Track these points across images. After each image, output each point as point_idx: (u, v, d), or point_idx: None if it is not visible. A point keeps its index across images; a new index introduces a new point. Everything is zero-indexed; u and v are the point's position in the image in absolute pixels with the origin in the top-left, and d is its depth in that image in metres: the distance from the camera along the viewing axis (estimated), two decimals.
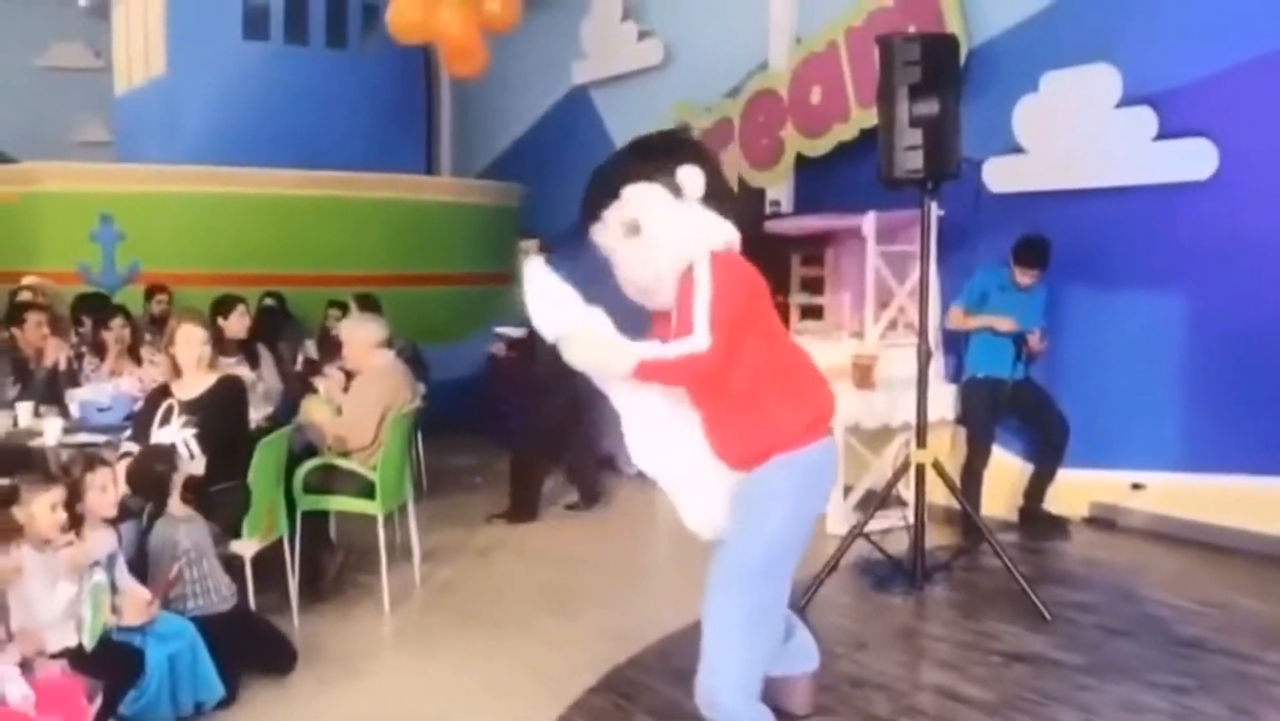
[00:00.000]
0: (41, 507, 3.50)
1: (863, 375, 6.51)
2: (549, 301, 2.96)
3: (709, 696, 3.04)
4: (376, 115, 10.06)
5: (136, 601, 3.75)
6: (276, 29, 9.56)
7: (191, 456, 4.47)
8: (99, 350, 6.12)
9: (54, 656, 3.40)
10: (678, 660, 3.89)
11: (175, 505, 4.12)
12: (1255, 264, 5.50)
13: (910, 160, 4.57)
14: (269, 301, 8.25)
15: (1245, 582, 5.05)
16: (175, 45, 9.48)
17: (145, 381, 5.79)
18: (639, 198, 3.05)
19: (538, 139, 10.62)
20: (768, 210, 8.03)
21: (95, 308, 6.75)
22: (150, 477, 4.14)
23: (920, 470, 5.02)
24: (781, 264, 7.60)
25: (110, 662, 3.54)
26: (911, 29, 6.81)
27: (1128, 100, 5.82)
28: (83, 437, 4.91)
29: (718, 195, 3.11)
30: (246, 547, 4.40)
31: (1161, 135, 5.71)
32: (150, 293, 8.02)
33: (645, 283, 3.08)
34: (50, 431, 4.86)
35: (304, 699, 4.00)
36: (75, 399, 5.47)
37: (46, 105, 12.48)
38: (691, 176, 3.05)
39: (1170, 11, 5.74)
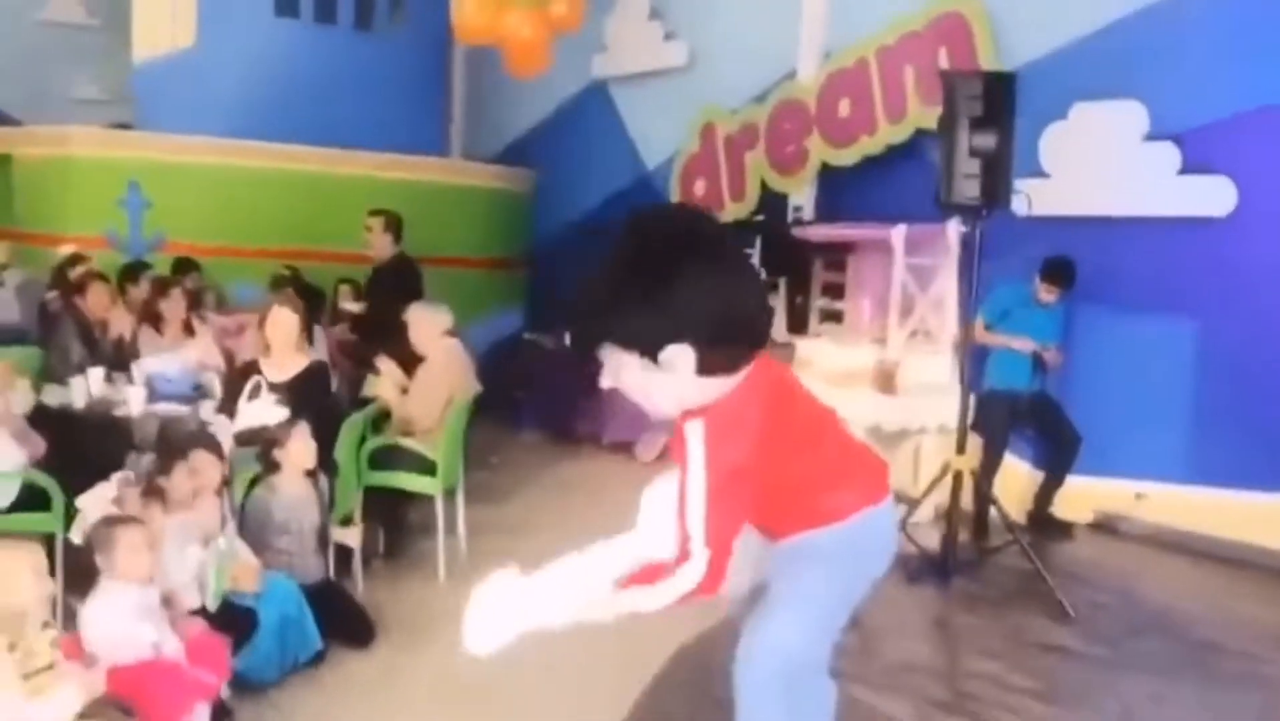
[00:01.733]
0: (180, 476, 3.75)
1: (885, 380, 6.87)
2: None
3: None
4: (401, 97, 10.22)
5: (248, 568, 4.00)
6: (307, 7, 9.71)
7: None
8: (154, 321, 6.28)
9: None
10: None
11: (288, 478, 4.36)
12: (1266, 297, 5.90)
13: (968, 188, 4.93)
14: (284, 272, 8.34)
15: (1248, 591, 5.46)
16: (206, 18, 9.58)
17: (208, 353, 6.01)
18: (616, 358, 2.53)
19: (552, 128, 10.84)
20: (790, 215, 8.37)
21: (148, 277, 6.92)
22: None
23: (959, 475, 5.38)
24: (804, 267, 7.93)
25: (228, 622, 3.80)
26: (943, 52, 7.19)
27: (1153, 135, 6.21)
28: (162, 407, 5.13)
29: (724, 331, 2.48)
30: (349, 535, 4.65)
31: (1184, 171, 6.10)
32: (180, 266, 8.15)
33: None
34: (135, 400, 5.07)
35: (382, 659, 4.29)
36: (141, 369, 5.66)
37: (40, 61, 12.41)
38: (680, 357, 2.43)
39: (1197, 52, 6.11)
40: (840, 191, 8.09)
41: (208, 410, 5.13)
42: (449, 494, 5.77)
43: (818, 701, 2.82)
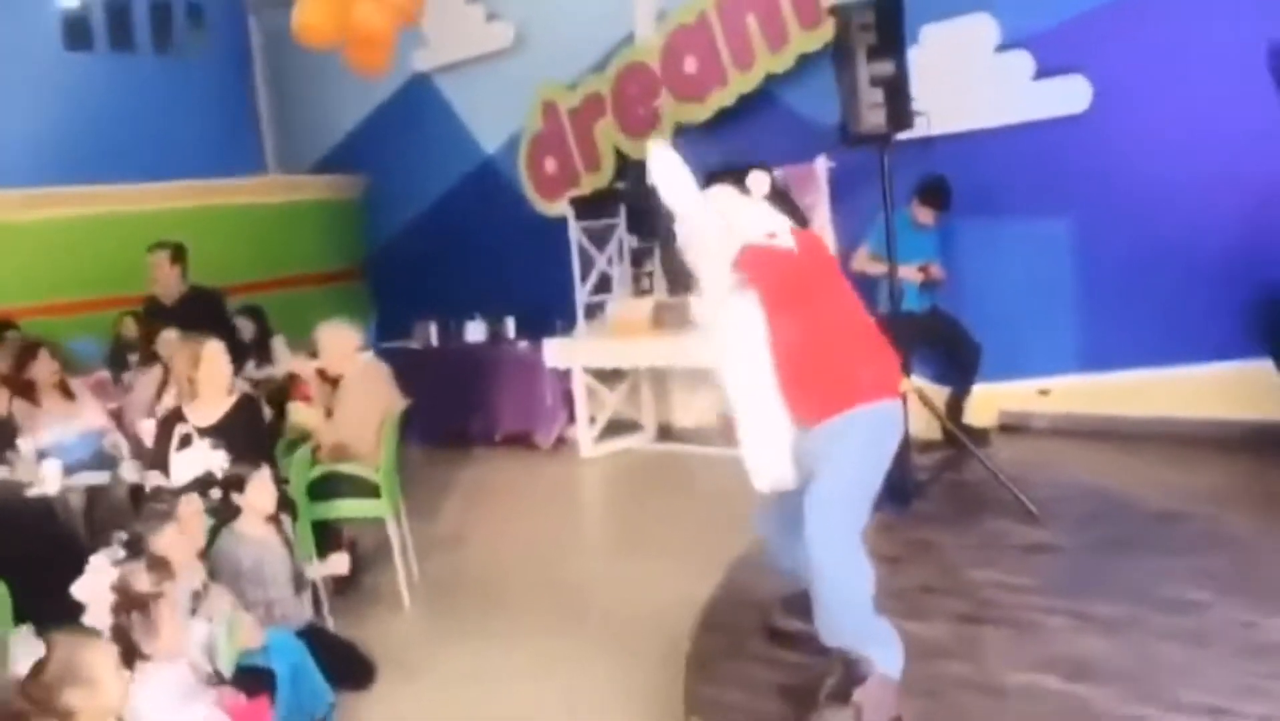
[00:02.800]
0: (172, 538, 3.45)
1: None
2: (674, 181, 3.30)
3: (833, 626, 3.24)
4: (210, 119, 9.74)
5: (248, 625, 3.73)
6: (100, 37, 9.06)
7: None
8: (26, 391, 5.75)
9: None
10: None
11: (250, 523, 4.08)
12: (1130, 184, 6.24)
13: (875, 116, 5.00)
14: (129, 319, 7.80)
15: (1168, 460, 5.79)
16: None
17: (96, 412, 5.57)
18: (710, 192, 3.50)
19: (376, 129, 10.47)
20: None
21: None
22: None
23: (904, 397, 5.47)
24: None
25: (251, 684, 3.54)
26: None
27: (1005, 45, 6.46)
28: (85, 477, 4.72)
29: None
30: (337, 565, 4.40)
31: (1039, 75, 6.37)
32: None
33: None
34: (51, 477, 4.65)
35: (386, 698, 4.12)
36: (34, 443, 5.19)
37: None
38: (758, 180, 3.47)
39: None
40: (698, 146, 8.08)
41: (131, 470, 4.74)
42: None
43: (862, 569, 3.26)
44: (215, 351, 4.53)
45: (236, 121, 10.21)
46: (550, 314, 8.49)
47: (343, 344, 5.34)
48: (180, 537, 3.46)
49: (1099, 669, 3.46)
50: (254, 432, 4.62)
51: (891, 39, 5.00)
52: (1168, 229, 6.01)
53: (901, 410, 3.47)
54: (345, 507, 5.15)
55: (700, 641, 4.04)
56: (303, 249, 9.92)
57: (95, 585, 3.06)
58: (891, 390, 3.40)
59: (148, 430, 4.91)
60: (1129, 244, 6.31)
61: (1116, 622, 3.78)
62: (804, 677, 3.49)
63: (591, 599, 5.01)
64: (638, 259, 8.35)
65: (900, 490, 5.50)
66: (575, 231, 8.19)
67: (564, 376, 8.27)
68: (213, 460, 4.46)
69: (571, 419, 8.36)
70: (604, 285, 8.38)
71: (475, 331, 9.04)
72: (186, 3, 9.54)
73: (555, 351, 8.17)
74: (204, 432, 4.52)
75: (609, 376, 8.25)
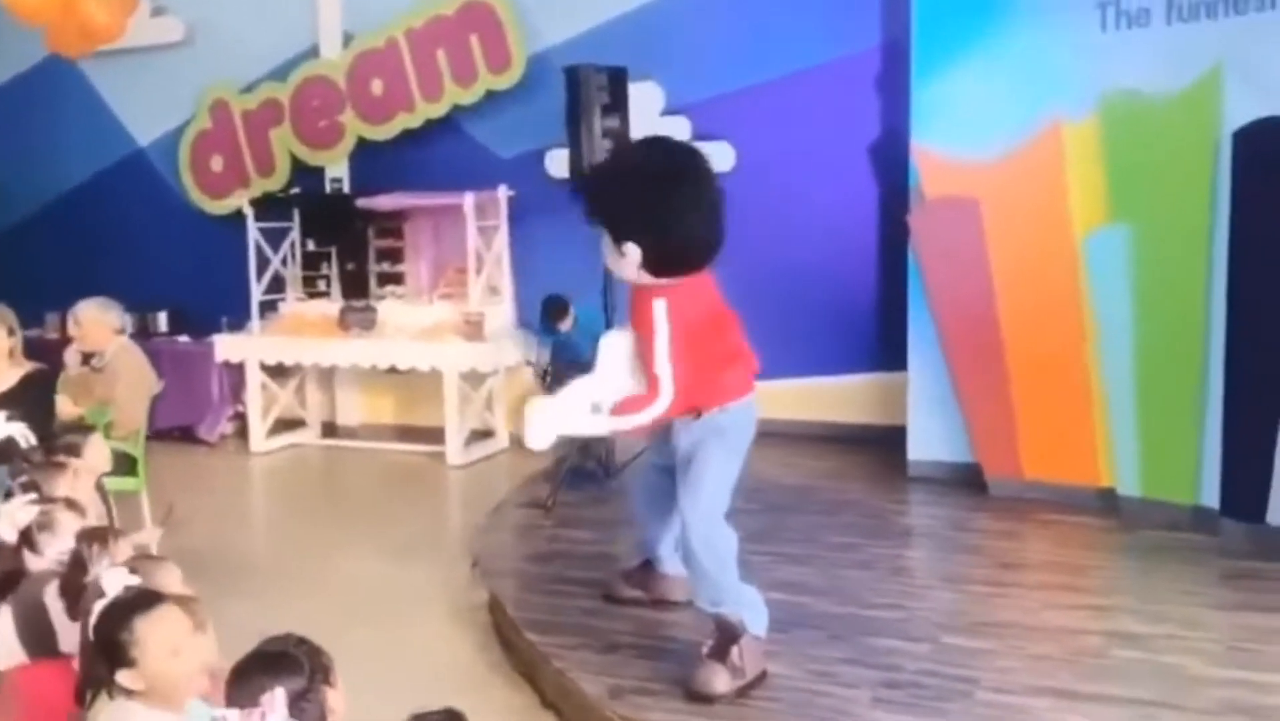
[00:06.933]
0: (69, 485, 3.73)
1: (474, 330, 7.83)
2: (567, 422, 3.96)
3: (715, 594, 3.84)
4: None
5: None
6: None
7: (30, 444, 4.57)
8: None
9: None
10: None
11: (84, 488, 4.31)
12: (763, 232, 7.76)
13: None
14: None
15: (795, 451, 7.28)
16: None
17: None
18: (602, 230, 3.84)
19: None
20: (329, 187, 8.85)
21: None
22: None
23: None
24: (359, 236, 8.51)
25: None
26: (474, 38, 8.17)
27: (669, 110, 7.79)
28: None
29: (673, 254, 3.77)
30: (150, 536, 4.67)
31: (695, 138, 7.74)
32: None
33: None
34: None
35: None
36: None
37: None
38: (632, 253, 3.72)
39: (705, 39, 7.69)
40: (375, 162, 8.71)
41: None
42: None
43: (731, 541, 3.98)
44: None
45: None
46: (212, 310, 8.68)
47: (104, 323, 5.51)
48: (77, 480, 3.74)
49: (805, 587, 4.74)
50: (45, 406, 4.77)
51: (621, 99, 6.11)
52: (794, 269, 7.58)
53: (754, 406, 4.02)
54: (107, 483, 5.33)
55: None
56: None
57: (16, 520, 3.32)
58: (749, 389, 4.00)
59: None
60: (765, 276, 7.81)
61: (805, 557, 5.12)
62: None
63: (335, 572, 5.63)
64: (311, 262, 8.76)
65: (606, 470, 6.60)
66: (254, 231, 8.49)
67: (232, 371, 8.53)
68: (6, 429, 4.58)
69: (237, 414, 8.65)
70: (276, 285, 8.72)
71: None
72: None
73: (229, 346, 8.42)
74: None
75: (278, 373, 8.61)
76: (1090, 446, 5.82)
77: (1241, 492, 5.16)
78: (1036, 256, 5.93)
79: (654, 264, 3.75)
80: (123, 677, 2.33)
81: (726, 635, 3.81)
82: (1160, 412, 5.54)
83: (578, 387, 4.06)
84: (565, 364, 6.57)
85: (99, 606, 2.48)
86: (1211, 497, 5.28)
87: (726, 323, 4.02)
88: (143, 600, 2.44)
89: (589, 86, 6.01)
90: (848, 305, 7.50)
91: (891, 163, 7.06)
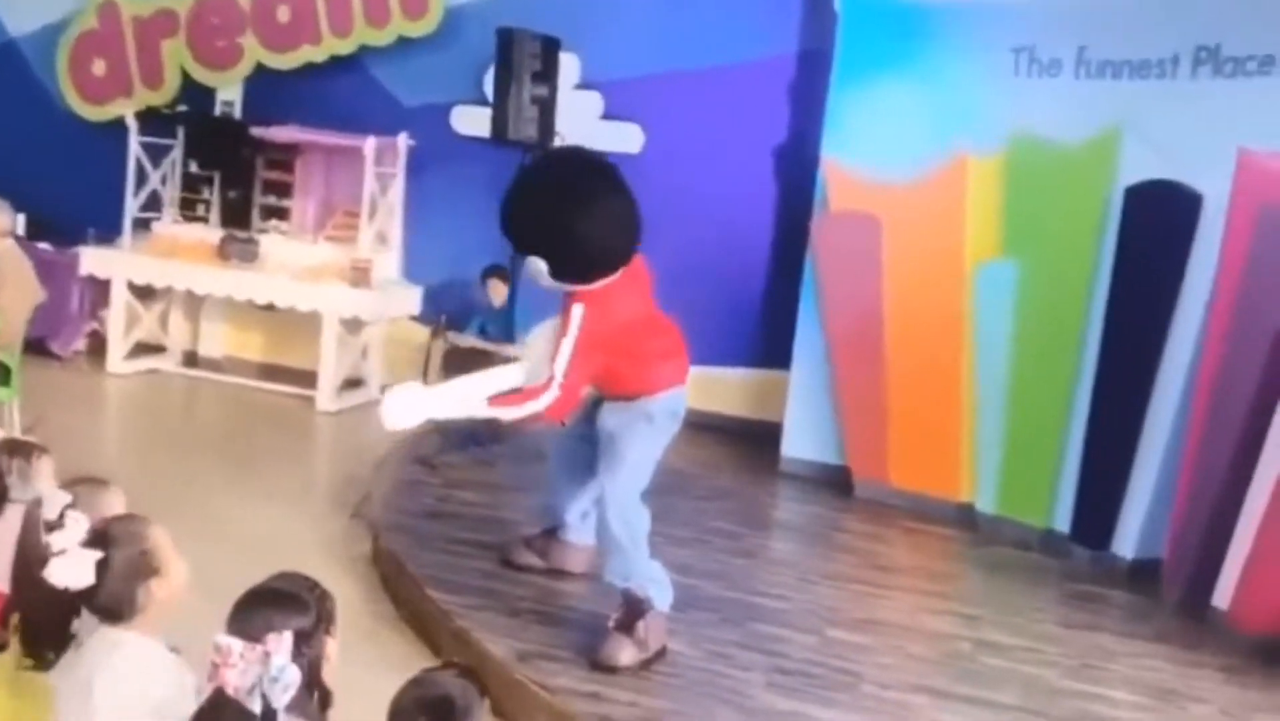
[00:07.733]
0: None
1: (361, 276, 7.72)
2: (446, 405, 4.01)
3: (625, 569, 4.00)
4: None
5: None
6: None
7: None
8: None
9: None
10: None
11: None
12: (671, 216, 7.85)
13: (528, 128, 6.10)
14: None
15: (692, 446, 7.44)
16: None
17: None
18: None
19: None
20: (218, 109, 8.53)
21: None
22: None
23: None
24: (247, 164, 8.23)
25: None
26: None
27: (583, 84, 7.81)
28: None
29: (576, 263, 3.93)
30: None
31: (606, 116, 7.81)
32: None
33: None
34: None
35: None
36: None
37: None
38: (535, 265, 3.93)
39: (628, 17, 7.65)
40: (271, 91, 8.44)
41: None
42: None
43: (645, 519, 4.16)
44: None
45: None
46: (78, 220, 8.27)
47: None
48: None
49: (694, 570, 4.90)
50: None
51: (551, 69, 6.13)
52: (689, 257, 7.69)
53: (684, 396, 4.22)
54: None
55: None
56: None
57: None
58: (681, 382, 4.19)
59: None
60: (658, 264, 7.86)
61: (691, 540, 5.29)
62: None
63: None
64: (192, 185, 8.43)
65: (476, 436, 6.62)
66: (135, 145, 8.13)
67: (94, 286, 8.17)
68: None
69: (94, 331, 8.29)
70: (152, 204, 8.38)
71: None
72: None
73: (96, 260, 8.05)
74: None
75: (144, 295, 8.27)
76: (955, 462, 6.19)
77: (1091, 520, 5.59)
78: (928, 279, 6.24)
79: (560, 274, 3.93)
80: (157, 586, 2.28)
81: (633, 609, 3.97)
82: (1024, 439, 5.93)
83: (466, 381, 4.11)
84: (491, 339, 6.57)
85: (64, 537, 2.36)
86: (1064, 522, 5.70)
87: (661, 326, 4.22)
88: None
89: (521, 52, 6.01)
90: (738, 299, 7.69)
91: (797, 168, 7.28)
